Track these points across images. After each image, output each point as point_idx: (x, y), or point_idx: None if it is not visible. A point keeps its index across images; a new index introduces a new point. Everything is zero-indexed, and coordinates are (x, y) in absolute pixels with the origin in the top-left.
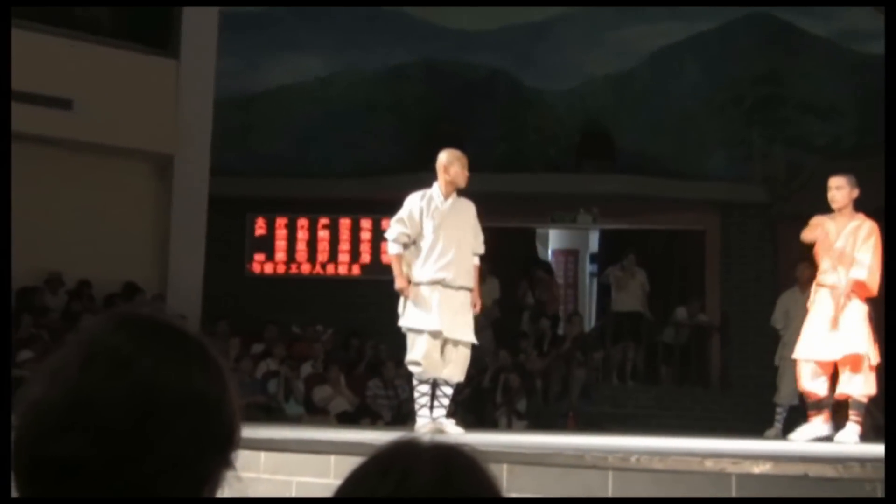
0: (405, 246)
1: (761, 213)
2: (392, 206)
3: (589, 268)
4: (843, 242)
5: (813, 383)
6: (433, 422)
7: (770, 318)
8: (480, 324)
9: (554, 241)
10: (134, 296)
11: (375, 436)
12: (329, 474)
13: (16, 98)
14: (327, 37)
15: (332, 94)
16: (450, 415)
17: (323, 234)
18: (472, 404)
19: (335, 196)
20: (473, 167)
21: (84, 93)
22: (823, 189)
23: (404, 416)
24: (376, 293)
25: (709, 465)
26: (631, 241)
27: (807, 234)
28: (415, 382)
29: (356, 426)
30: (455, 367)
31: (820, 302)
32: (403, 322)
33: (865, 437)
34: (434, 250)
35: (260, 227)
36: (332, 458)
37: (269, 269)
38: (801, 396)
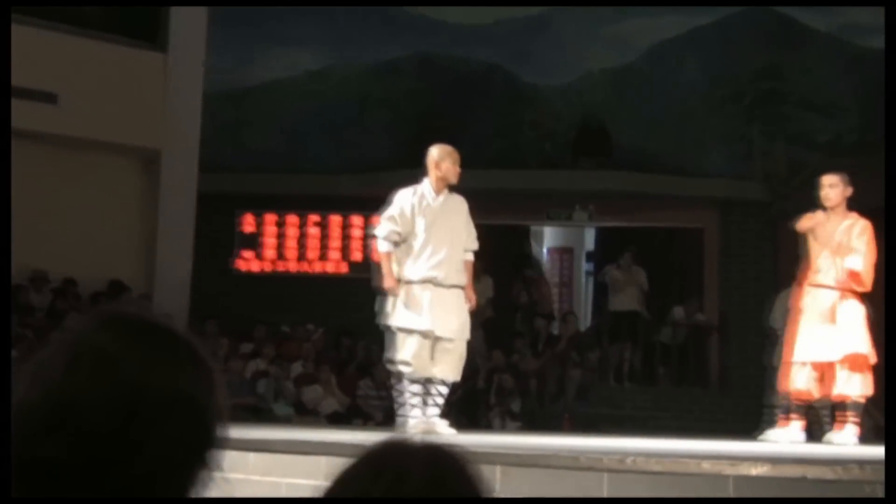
0: (396, 244)
1: (761, 211)
2: (384, 203)
3: (585, 266)
4: (837, 240)
5: (807, 385)
6: (426, 420)
7: (768, 317)
8: (471, 323)
9: (549, 238)
10: (120, 294)
11: (366, 437)
12: (319, 476)
13: None
14: (319, 31)
15: (324, 89)
16: (443, 416)
17: (313, 232)
18: (465, 405)
19: (326, 192)
20: (468, 163)
21: (70, 86)
22: None
23: (396, 417)
24: (367, 292)
25: (706, 466)
26: (628, 238)
27: (803, 223)
28: (404, 383)
29: (347, 427)
30: (450, 367)
31: (813, 302)
32: (392, 321)
33: (864, 438)
34: (426, 249)
35: (249, 224)
36: (323, 459)
37: (258, 266)
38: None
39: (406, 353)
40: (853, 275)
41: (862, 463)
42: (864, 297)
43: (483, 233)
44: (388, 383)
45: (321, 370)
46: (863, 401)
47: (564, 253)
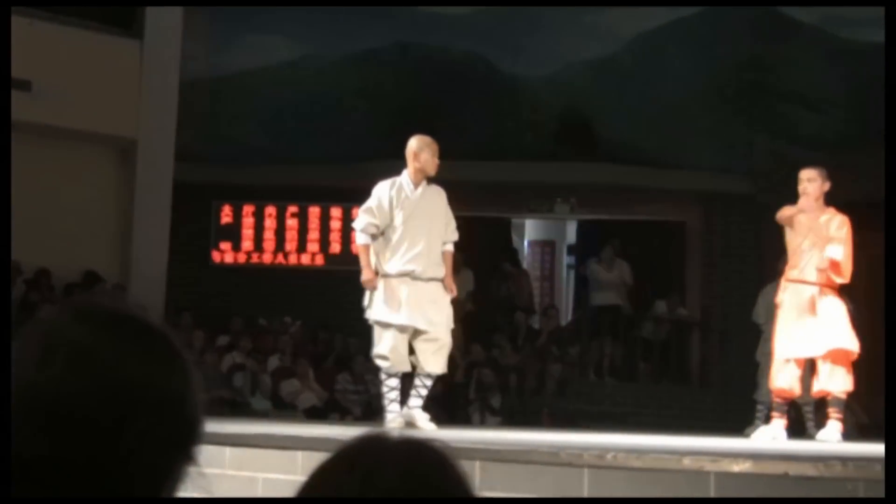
0: (373, 237)
1: (745, 205)
2: (363, 195)
3: (566, 259)
4: (815, 233)
5: (790, 381)
6: (407, 410)
7: (751, 312)
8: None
9: (530, 231)
10: (94, 285)
11: (344, 431)
12: (296, 471)
13: None
14: (298, 18)
15: (303, 78)
16: (425, 408)
17: (291, 223)
18: (444, 400)
19: (304, 183)
20: (448, 155)
21: (43, 74)
22: None
23: (374, 411)
24: (346, 284)
25: (687, 463)
26: (610, 232)
27: (783, 212)
28: (383, 377)
29: (324, 421)
30: (434, 358)
31: (791, 298)
32: (369, 314)
33: (848, 435)
34: (403, 242)
35: (226, 215)
36: (300, 454)
37: (235, 258)
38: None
39: (383, 347)
40: (833, 264)
41: (844, 460)
42: (842, 293)
43: (463, 225)
44: (366, 377)
45: (299, 363)
46: (844, 396)
47: (545, 246)
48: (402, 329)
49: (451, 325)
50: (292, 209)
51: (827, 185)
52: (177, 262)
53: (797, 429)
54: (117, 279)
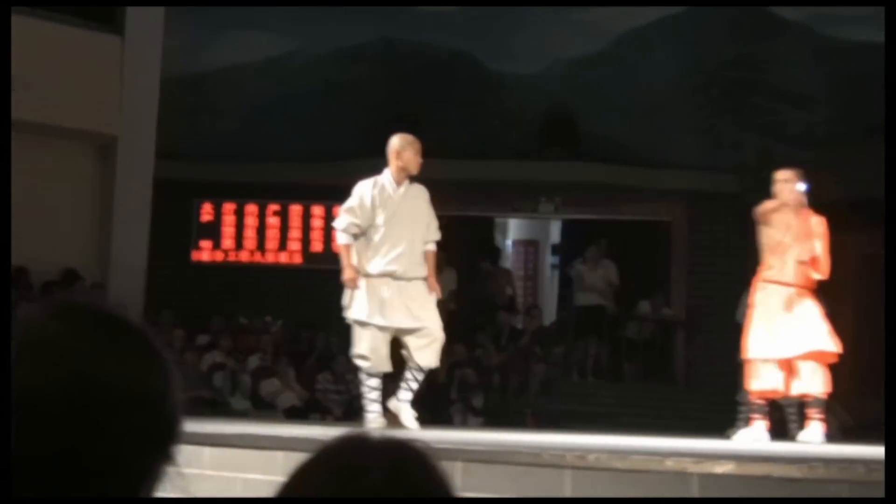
0: (355, 236)
1: (731, 204)
2: (346, 193)
3: (550, 259)
4: (794, 232)
5: (771, 383)
6: (396, 402)
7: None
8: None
9: (514, 231)
10: (73, 283)
11: (325, 431)
12: (276, 471)
13: None
14: (281, 14)
15: (285, 75)
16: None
17: (273, 221)
18: (426, 400)
19: (286, 181)
20: (432, 153)
21: (22, 70)
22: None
23: (355, 411)
24: (328, 283)
25: (670, 464)
26: (594, 231)
27: (761, 207)
28: (363, 377)
29: (305, 421)
30: (425, 352)
31: (766, 298)
32: (349, 314)
33: (832, 437)
34: (385, 242)
35: (207, 213)
36: (280, 454)
37: (215, 256)
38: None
39: (363, 347)
40: (812, 259)
41: (827, 462)
42: (817, 293)
43: (446, 224)
44: (347, 377)
45: (279, 363)
46: (825, 397)
47: (529, 245)
48: (381, 329)
49: (437, 319)
50: (273, 207)
51: (803, 186)
52: (156, 259)
53: (780, 430)
54: (96, 277)
